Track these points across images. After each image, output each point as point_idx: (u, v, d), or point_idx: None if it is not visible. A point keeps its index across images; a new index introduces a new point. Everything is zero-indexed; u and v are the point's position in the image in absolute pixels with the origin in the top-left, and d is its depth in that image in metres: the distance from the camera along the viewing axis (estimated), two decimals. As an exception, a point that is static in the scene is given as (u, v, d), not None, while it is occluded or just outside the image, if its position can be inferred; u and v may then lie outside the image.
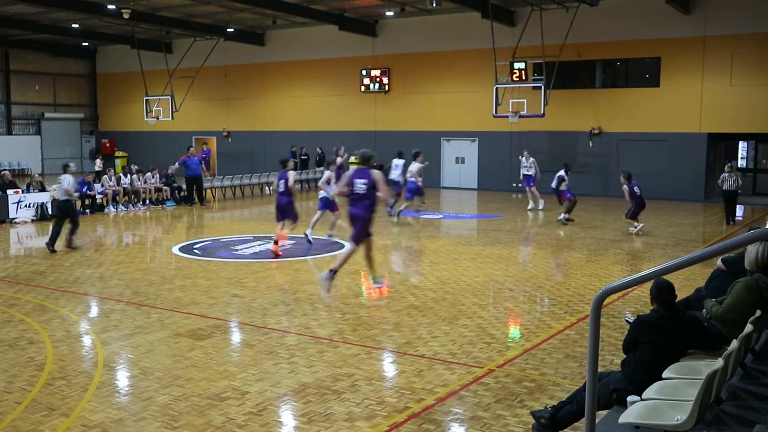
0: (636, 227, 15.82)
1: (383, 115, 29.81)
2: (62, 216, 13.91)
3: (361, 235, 9.60)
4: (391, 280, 11.31)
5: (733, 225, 17.51)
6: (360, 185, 9.55)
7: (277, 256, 13.10)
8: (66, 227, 13.84)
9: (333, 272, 9.48)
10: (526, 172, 20.50)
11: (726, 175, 17.74)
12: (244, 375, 6.75)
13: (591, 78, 25.95)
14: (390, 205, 14.99)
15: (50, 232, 13.78)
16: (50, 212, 18.52)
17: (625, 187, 15.66)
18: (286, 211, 13.33)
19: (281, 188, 13.32)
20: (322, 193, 14.49)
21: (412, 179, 17.65)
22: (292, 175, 13.30)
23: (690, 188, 23.47)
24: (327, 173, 14.52)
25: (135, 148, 36.80)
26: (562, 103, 24.75)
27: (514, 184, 26.79)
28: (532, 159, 20.52)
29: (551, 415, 5.14)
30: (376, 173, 9.72)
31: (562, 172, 17.58)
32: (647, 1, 23.19)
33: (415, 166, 17.57)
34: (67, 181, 13.78)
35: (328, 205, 14.38)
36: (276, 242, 13.37)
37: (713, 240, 15.65)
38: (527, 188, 20.76)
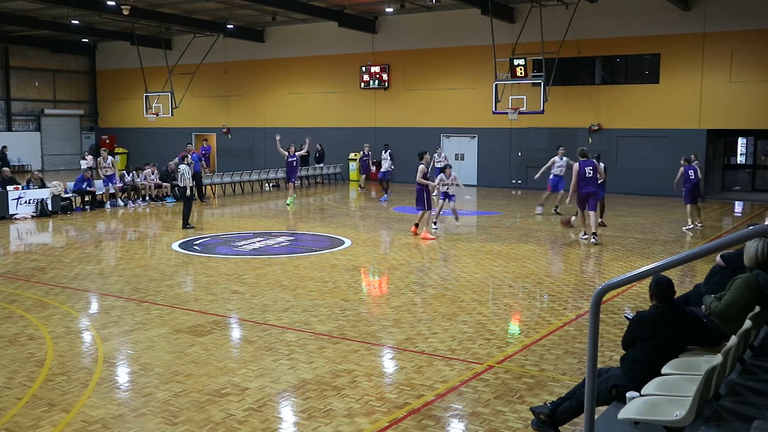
0: (692, 225, 16.06)
1: (383, 112, 29.79)
2: (185, 200, 16.74)
3: (597, 205, 14.17)
4: (390, 277, 11.33)
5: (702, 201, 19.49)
6: (589, 171, 13.81)
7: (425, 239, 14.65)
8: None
9: (594, 234, 14.01)
10: (559, 173, 18.43)
11: (696, 163, 20.22)
12: (244, 371, 6.77)
13: (590, 74, 25.91)
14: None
15: (182, 217, 16.44)
16: (50, 208, 18.55)
17: (681, 169, 16.12)
18: (420, 199, 14.83)
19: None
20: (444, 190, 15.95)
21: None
22: (421, 169, 14.75)
23: (689, 185, 23.43)
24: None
25: (135, 145, 36.78)
26: (561, 100, 24.73)
27: (514, 181, 26.82)
28: (565, 158, 18.37)
29: (550, 411, 5.16)
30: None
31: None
32: (647, -2, 23.21)
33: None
34: (188, 171, 16.67)
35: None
36: (416, 225, 15.25)
37: (712, 236, 15.65)
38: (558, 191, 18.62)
